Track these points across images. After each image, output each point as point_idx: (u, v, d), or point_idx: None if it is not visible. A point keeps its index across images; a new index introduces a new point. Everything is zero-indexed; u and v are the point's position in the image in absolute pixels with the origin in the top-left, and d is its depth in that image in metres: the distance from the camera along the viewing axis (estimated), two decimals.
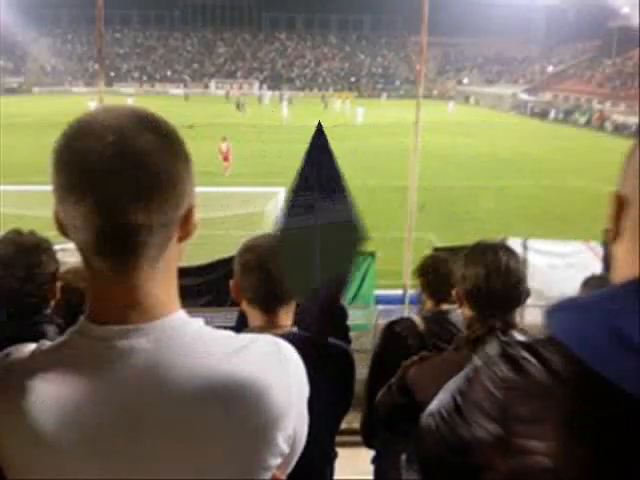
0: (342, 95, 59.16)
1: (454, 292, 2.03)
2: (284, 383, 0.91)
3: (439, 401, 0.87)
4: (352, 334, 3.20)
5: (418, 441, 0.93)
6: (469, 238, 2.64)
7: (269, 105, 54.72)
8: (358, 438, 2.98)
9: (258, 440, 0.88)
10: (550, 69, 67.68)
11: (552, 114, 50.29)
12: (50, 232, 1.23)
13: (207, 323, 0.92)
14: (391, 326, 2.64)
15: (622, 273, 0.75)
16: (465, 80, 74.83)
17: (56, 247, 2.24)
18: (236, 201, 10.57)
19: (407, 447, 2.31)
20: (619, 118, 42.32)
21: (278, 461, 0.93)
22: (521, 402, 0.72)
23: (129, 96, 49.42)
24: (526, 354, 0.74)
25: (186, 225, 0.89)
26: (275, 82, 74.96)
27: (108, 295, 0.86)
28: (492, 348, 0.79)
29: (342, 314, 3.05)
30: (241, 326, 1.91)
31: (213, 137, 24.19)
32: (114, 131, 0.80)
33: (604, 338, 0.67)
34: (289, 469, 1.02)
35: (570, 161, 26.75)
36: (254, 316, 1.74)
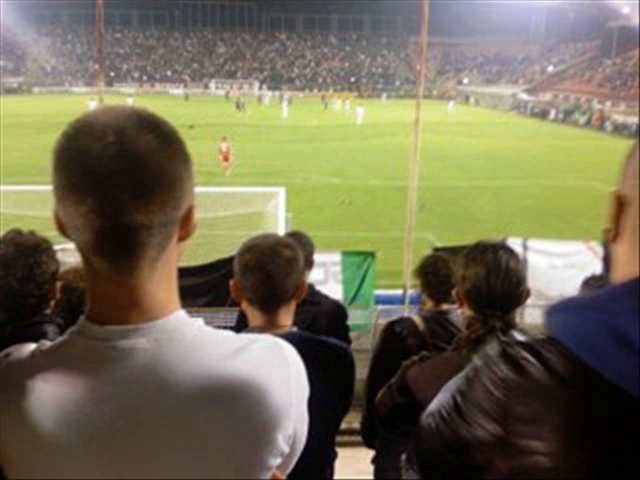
0: (342, 95, 59.16)
1: (454, 292, 2.03)
2: (284, 383, 0.91)
3: (439, 401, 0.87)
4: (352, 334, 3.21)
5: (418, 441, 0.93)
6: (469, 238, 2.64)
7: (269, 105, 54.75)
8: (358, 438, 2.98)
9: (258, 440, 0.88)
10: (550, 69, 67.66)
11: (552, 114, 50.30)
12: (50, 232, 1.23)
13: (207, 323, 0.92)
14: (391, 326, 2.64)
15: (622, 273, 0.75)
16: (465, 80, 74.82)
17: (56, 247, 2.24)
18: (236, 201, 10.56)
19: (407, 447, 2.31)
20: (619, 118, 42.32)
21: (278, 461, 0.93)
22: (521, 402, 0.72)
23: (129, 96, 49.45)
24: (526, 354, 0.74)
25: (186, 225, 0.88)
26: (275, 82, 74.96)
27: (108, 295, 0.86)
28: (492, 348, 0.79)
29: (342, 314, 3.06)
30: (241, 326, 1.91)
31: (213, 137, 24.21)
32: (114, 131, 0.80)
33: (604, 338, 0.67)
34: (289, 469, 1.02)
35: (570, 161, 26.76)
36: (254, 316, 1.74)
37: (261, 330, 1.65)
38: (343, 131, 33.98)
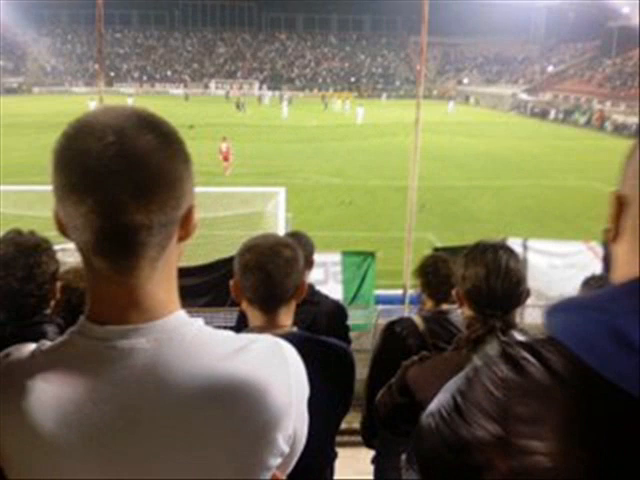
0: (342, 95, 59.16)
1: (454, 292, 2.03)
2: (284, 383, 0.91)
3: (439, 401, 0.87)
4: (352, 334, 3.21)
5: (418, 441, 0.93)
6: (469, 238, 2.64)
7: (269, 105, 54.74)
8: (358, 438, 2.98)
9: (258, 440, 0.88)
10: (550, 69, 67.65)
11: (552, 114, 50.30)
12: (50, 232, 1.23)
13: (207, 323, 0.92)
14: (391, 326, 2.64)
15: (622, 273, 0.75)
16: (465, 80, 74.82)
17: (56, 247, 2.24)
18: (236, 201, 10.56)
19: (407, 447, 2.31)
20: (619, 118, 42.31)
21: (278, 461, 0.93)
22: (521, 402, 0.72)
23: (129, 96, 49.46)
24: (526, 354, 0.74)
25: (186, 225, 0.88)
26: (275, 82, 74.96)
27: (108, 295, 0.86)
28: (492, 348, 0.79)
29: (342, 314, 3.06)
30: (241, 326, 1.91)
31: (213, 137, 24.22)
32: (114, 131, 0.80)
33: (604, 338, 0.67)
34: (289, 469, 1.02)
35: (570, 161, 26.75)
36: (254, 316, 1.74)
37: (261, 330, 1.65)
38: (343, 131, 33.98)
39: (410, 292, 6.41)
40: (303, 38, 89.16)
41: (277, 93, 64.39)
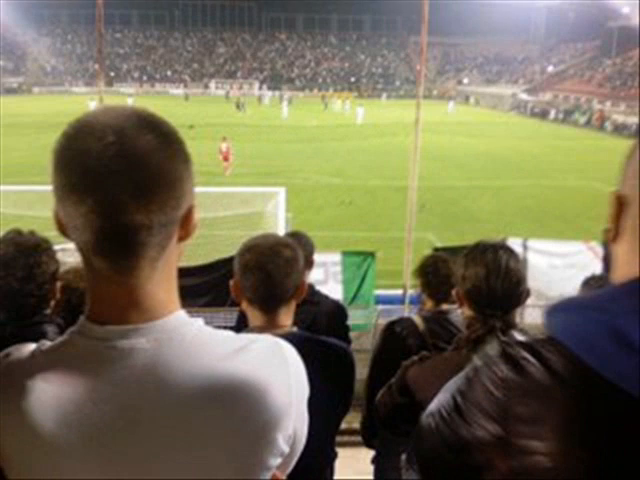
0: (342, 95, 59.17)
1: (454, 292, 2.03)
2: (284, 383, 0.91)
3: (439, 401, 0.87)
4: (352, 334, 3.21)
5: (418, 441, 0.93)
6: (469, 238, 2.64)
7: (269, 105, 54.75)
8: (358, 438, 2.98)
9: (258, 440, 0.88)
10: (550, 69, 67.65)
11: (552, 114, 50.30)
12: (50, 232, 1.23)
13: (207, 323, 0.92)
14: (391, 326, 2.64)
15: (622, 273, 0.75)
16: (465, 80, 74.82)
17: (56, 247, 2.24)
18: (236, 201, 10.56)
19: (407, 447, 2.31)
20: (619, 118, 42.31)
21: (278, 461, 0.93)
22: (521, 402, 0.72)
23: (129, 96, 49.46)
24: (526, 354, 0.74)
25: (186, 225, 0.88)
26: (275, 82, 74.96)
27: (108, 295, 0.86)
28: (492, 348, 0.79)
29: (342, 314, 3.06)
30: (241, 326, 1.91)
31: (213, 137, 24.21)
32: (114, 131, 0.80)
33: (604, 338, 0.67)
34: (289, 469, 1.02)
35: (570, 161, 26.75)
36: (254, 316, 1.74)
37: (261, 330, 1.65)
38: (343, 131, 33.98)
39: (410, 292, 6.40)
40: (303, 38, 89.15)
41: (277, 93, 64.39)
